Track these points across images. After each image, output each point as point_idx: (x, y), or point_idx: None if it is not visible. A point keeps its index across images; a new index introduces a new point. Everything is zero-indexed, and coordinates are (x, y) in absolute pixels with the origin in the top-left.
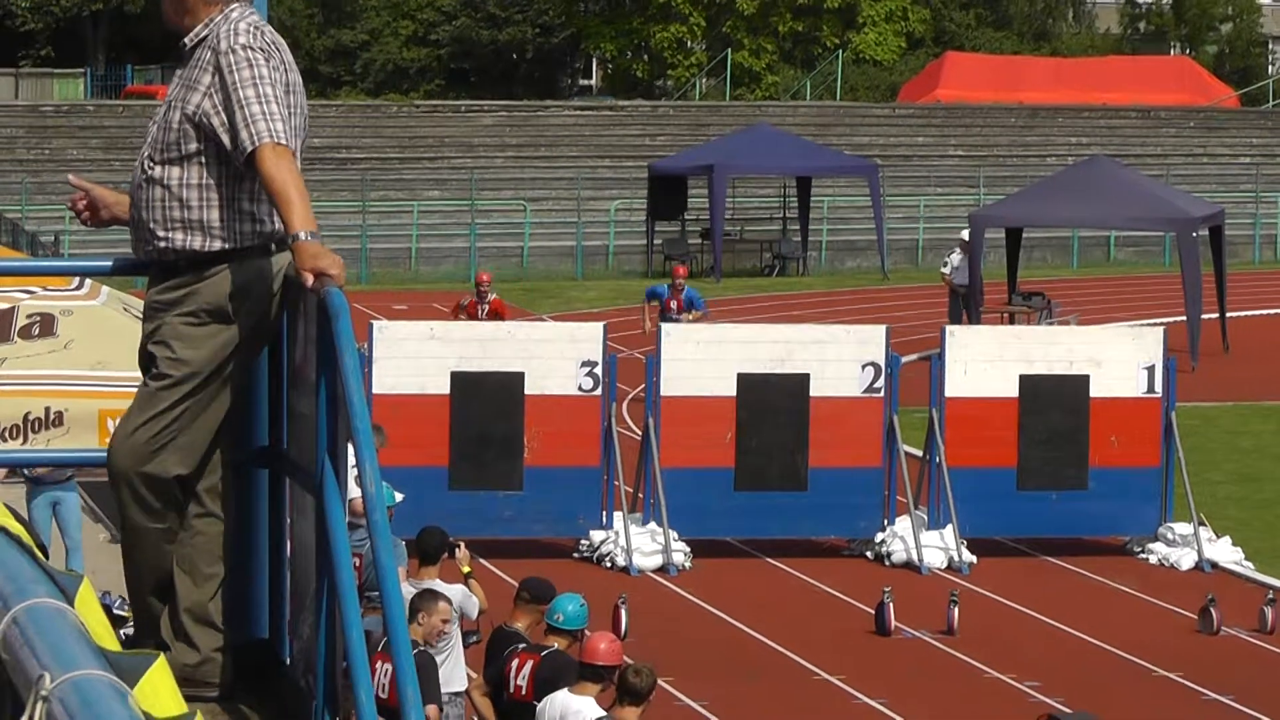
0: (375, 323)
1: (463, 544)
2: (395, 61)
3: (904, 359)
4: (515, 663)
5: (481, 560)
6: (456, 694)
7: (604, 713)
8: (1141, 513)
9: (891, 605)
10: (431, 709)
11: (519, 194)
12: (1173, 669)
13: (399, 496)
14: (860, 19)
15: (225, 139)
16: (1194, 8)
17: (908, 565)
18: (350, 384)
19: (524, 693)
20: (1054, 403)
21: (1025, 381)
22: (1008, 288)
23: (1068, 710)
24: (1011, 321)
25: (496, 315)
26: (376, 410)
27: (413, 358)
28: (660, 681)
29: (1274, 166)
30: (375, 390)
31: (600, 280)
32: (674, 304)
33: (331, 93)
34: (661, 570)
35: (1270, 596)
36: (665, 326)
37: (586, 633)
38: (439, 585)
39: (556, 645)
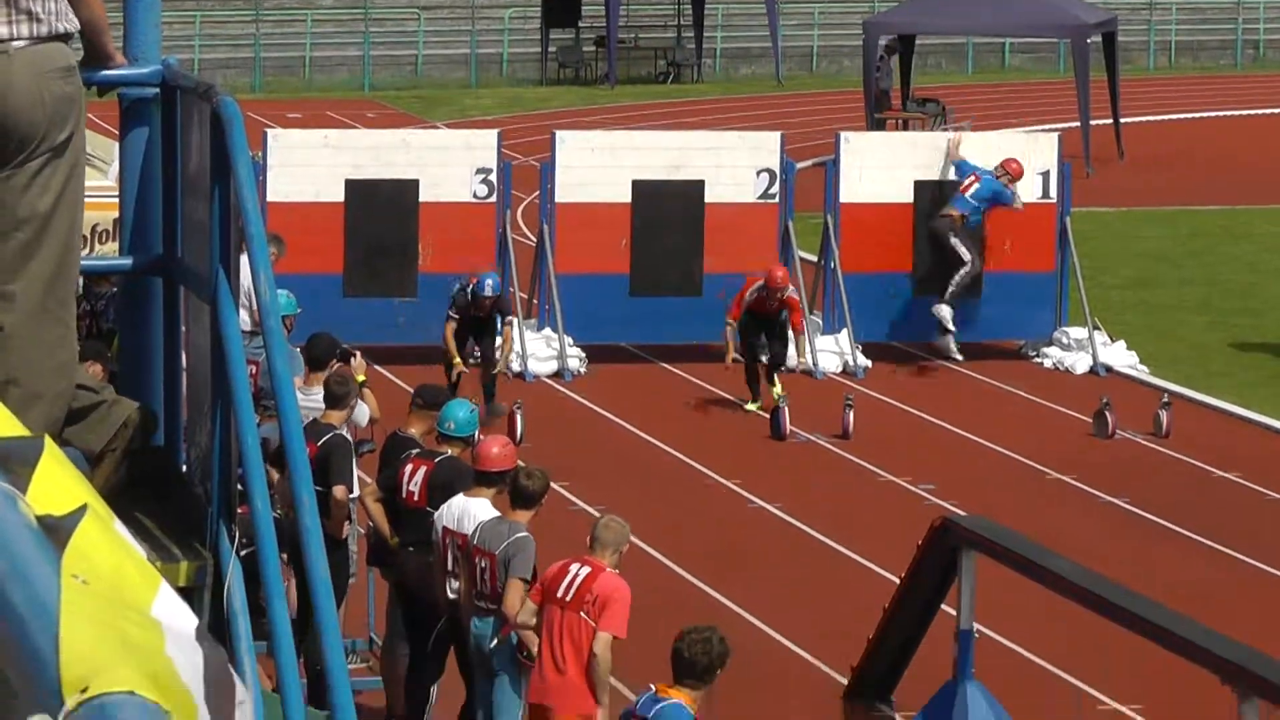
0: (270, 131)
1: (358, 353)
2: None
3: (799, 165)
4: (409, 469)
5: (377, 367)
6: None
7: (498, 514)
8: (1036, 317)
9: (786, 410)
10: (340, 489)
11: (413, 1)
12: (1067, 472)
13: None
14: None
15: None
16: None
17: (803, 370)
18: (244, 192)
19: (416, 498)
20: None
21: (920, 187)
22: (902, 94)
23: (962, 513)
24: (906, 128)
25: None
26: (271, 218)
27: (307, 165)
28: (555, 486)
29: None
30: (270, 198)
31: (495, 88)
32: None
33: None
34: (556, 375)
35: (1165, 400)
36: (559, 134)
37: (480, 437)
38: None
39: (449, 452)
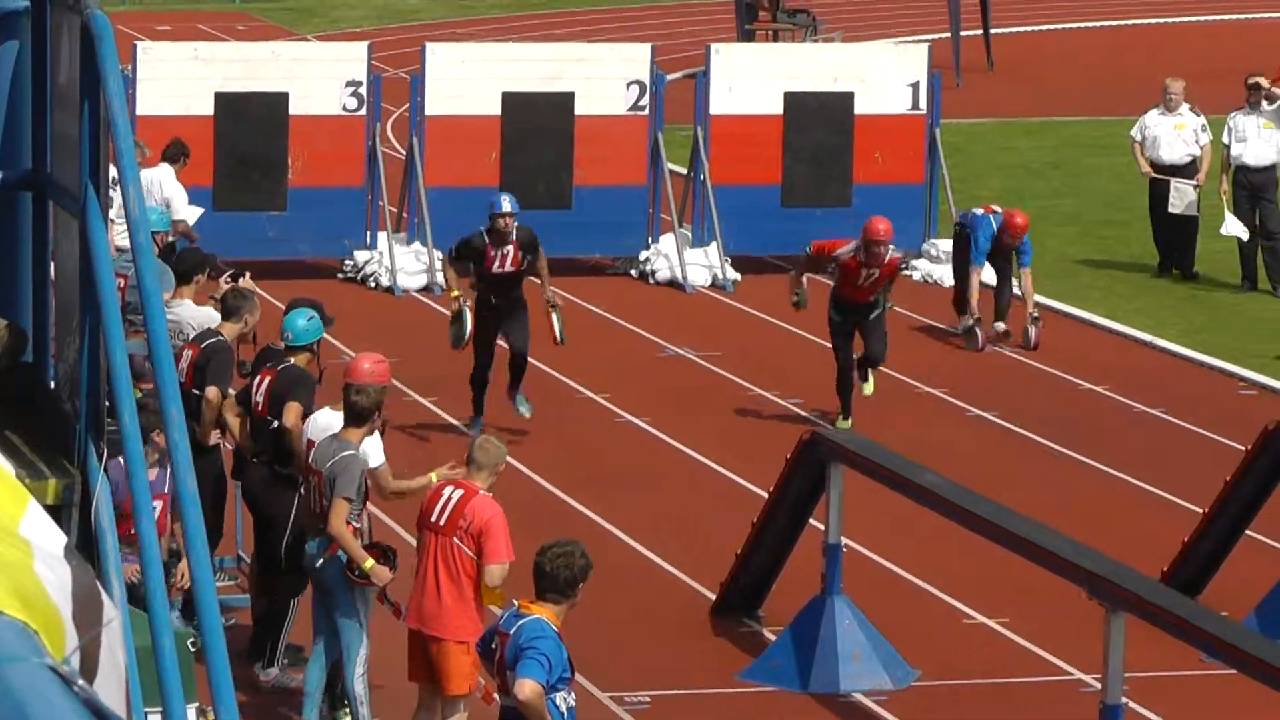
0: (139, 44)
1: (248, 273)
2: None
3: (669, 77)
4: (259, 379)
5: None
6: None
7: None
8: (906, 229)
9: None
10: (211, 390)
11: None
12: (937, 386)
13: (198, 211)
14: None
15: None
16: None
17: (672, 283)
18: (115, 106)
19: (261, 408)
20: (818, 120)
21: (790, 99)
22: (772, 6)
23: (830, 425)
24: (776, 39)
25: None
26: (141, 132)
27: (176, 79)
28: (424, 400)
29: None
30: (139, 112)
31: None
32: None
33: None
34: (426, 290)
35: (1034, 314)
36: (429, 45)
37: (331, 340)
38: (189, 307)
39: (292, 360)
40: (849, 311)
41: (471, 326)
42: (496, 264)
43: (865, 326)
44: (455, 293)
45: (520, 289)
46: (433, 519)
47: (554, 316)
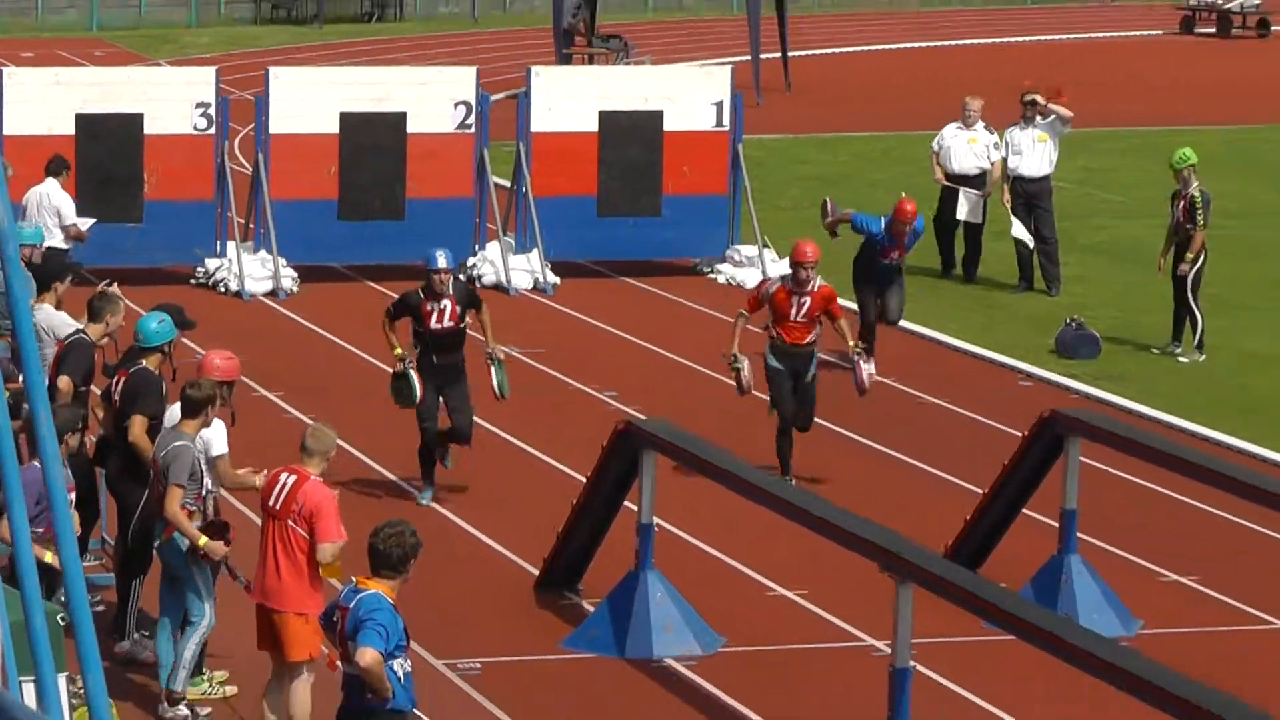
0: (4, 69)
1: (115, 282)
2: None
3: (493, 97)
4: (116, 378)
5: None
6: None
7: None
8: (711, 236)
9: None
10: (63, 379)
11: None
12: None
13: (90, 221)
14: None
15: None
16: None
17: (497, 286)
18: None
19: (117, 404)
20: (631, 137)
21: (604, 117)
22: (587, 30)
23: (643, 416)
24: (592, 62)
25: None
26: (7, 151)
27: (40, 102)
28: (271, 395)
29: None
30: (6, 132)
31: (213, 27)
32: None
33: None
34: (271, 294)
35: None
36: (272, 70)
37: (187, 341)
38: (48, 310)
39: (144, 362)
40: (787, 358)
41: (421, 389)
42: (434, 319)
43: (801, 383)
44: (398, 350)
45: (461, 351)
46: (270, 503)
47: (493, 370)
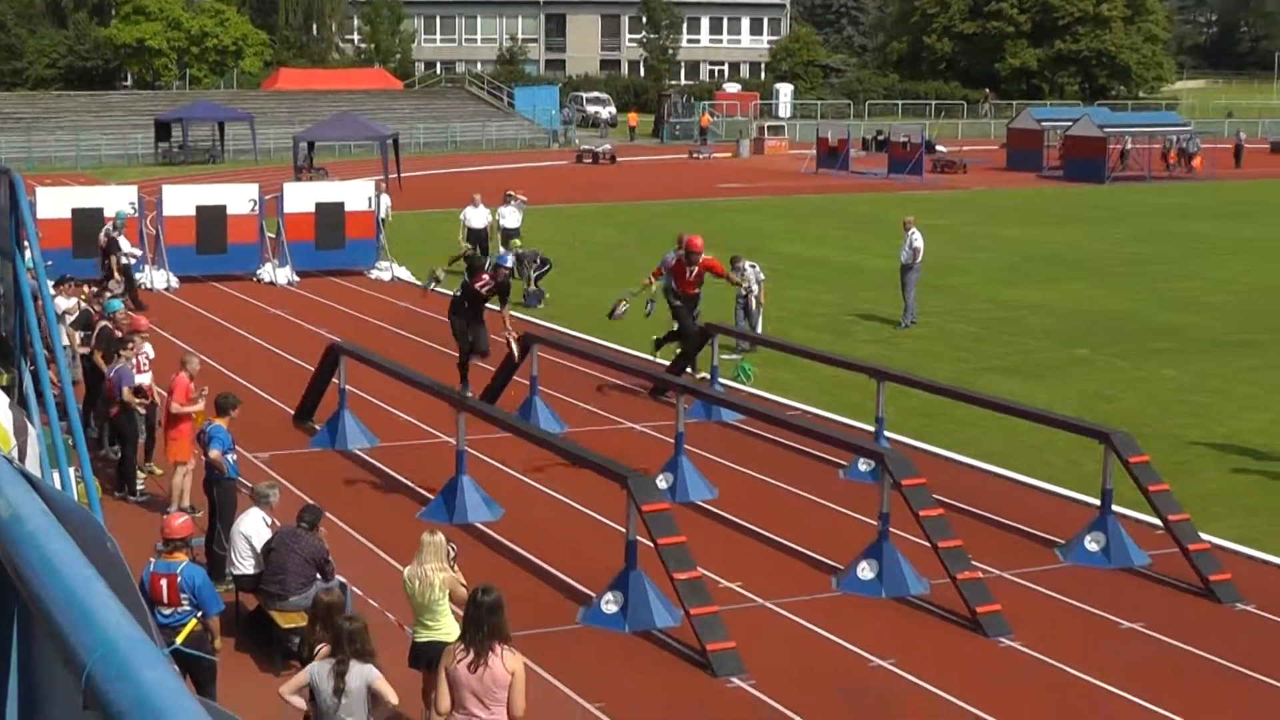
0: None
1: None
2: None
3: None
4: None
5: None
6: None
7: None
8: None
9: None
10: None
11: None
12: (402, 327)
13: None
14: None
15: None
16: None
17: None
18: None
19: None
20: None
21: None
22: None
23: (339, 339)
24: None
25: None
26: None
27: None
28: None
29: None
30: None
31: None
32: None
33: None
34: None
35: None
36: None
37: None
38: None
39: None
40: (683, 299)
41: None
42: (476, 283)
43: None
44: (458, 254)
45: (482, 309)
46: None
47: (510, 342)
